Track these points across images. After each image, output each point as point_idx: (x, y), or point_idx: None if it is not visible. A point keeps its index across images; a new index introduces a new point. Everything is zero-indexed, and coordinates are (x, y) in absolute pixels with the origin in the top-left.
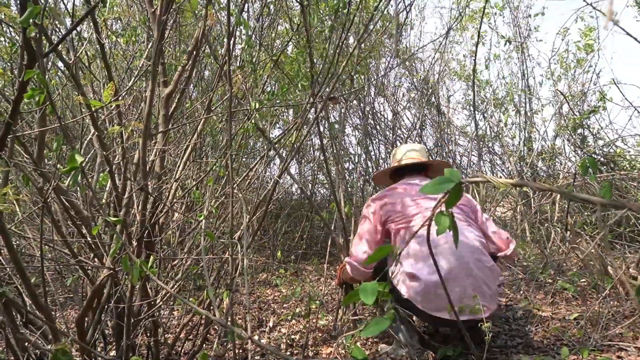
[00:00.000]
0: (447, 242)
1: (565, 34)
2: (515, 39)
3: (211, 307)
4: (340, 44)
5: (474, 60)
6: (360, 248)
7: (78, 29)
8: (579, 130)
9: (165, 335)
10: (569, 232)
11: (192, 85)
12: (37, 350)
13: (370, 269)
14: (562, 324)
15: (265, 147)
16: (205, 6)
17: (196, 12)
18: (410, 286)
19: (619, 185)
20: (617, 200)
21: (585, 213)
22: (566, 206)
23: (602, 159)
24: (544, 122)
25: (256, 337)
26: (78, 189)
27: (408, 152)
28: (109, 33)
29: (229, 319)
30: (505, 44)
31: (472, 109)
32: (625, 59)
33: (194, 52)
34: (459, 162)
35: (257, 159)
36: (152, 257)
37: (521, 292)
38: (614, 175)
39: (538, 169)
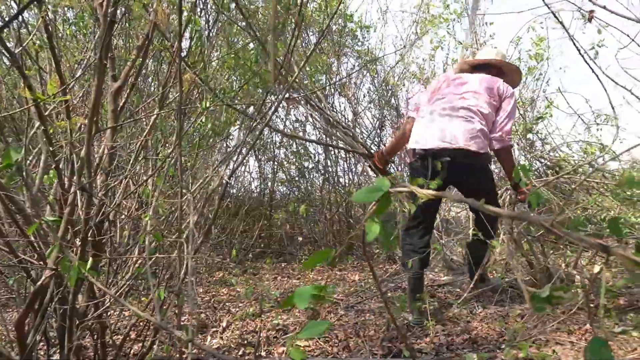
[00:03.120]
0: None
1: (518, 43)
2: (472, 45)
3: (152, 309)
4: (293, 42)
5: None
6: (418, 99)
7: (25, 16)
8: (529, 135)
9: (114, 337)
10: (515, 233)
11: (150, 78)
12: None
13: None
14: (506, 320)
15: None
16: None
17: (147, 5)
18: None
19: (563, 189)
20: (523, 212)
21: (532, 215)
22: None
23: (548, 163)
24: None
25: (209, 338)
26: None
27: (483, 52)
28: (58, 24)
29: (178, 321)
30: (462, 49)
31: None
32: (573, 68)
33: (144, 47)
34: None
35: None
36: (91, 258)
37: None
38: (559, 179)
39: None
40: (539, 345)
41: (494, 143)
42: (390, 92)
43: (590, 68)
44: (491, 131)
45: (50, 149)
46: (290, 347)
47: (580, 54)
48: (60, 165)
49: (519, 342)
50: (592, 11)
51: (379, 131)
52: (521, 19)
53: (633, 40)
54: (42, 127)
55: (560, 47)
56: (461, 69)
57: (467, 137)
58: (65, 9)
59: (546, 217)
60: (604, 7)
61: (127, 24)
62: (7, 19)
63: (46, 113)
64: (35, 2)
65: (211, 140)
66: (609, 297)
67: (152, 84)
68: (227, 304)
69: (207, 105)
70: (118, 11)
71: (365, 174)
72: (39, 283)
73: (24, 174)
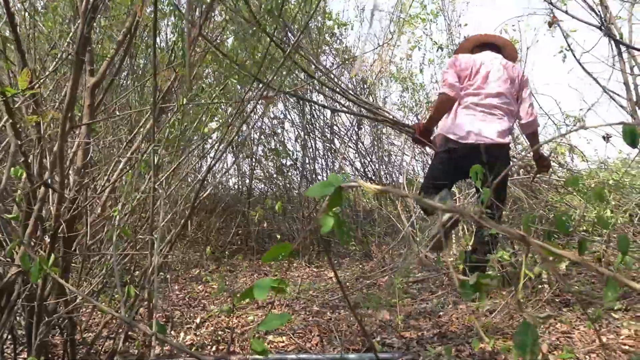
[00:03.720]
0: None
1: None
2: (448, 46)
3: (119, 305)
4: (269, 46)
5: None
6: (449, 77)
7: None
8: None
9: (84, 334)
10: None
11: (128, 74)
12: None
13: (457, 91)
14: (476, 315)
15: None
16: None
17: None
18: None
19: (534, 187)
20: (458, 207)
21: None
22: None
23: (520, 163)
24: None
25: (182, 334)
26: None
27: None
28: (28, 12)
29: (149, 317)
30: (438, 49)
31: (406, 110)
32: (543, 70)
33: (124, 43)
34: (394, 161)
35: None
36: (52, 255)
37: (443, 285)
38: (530, 179)
39: None
40: (506, 339)
41: (525, 128)
42: (367, 90)
43: (581, 66)
44: (520, 117)
45: (19, 142)
46: (252, 338)
47: (571, 49)
48: (30, 160)
49: (487, 336)
50: (554, 16)
51: (356, 129)
52: (494, 21)
53: (597, 41)
54: (10, 121)
55: (531, 50)
56: (463, 47)
57: (500, 133)
58: None
59: (476, 210)
60: (566, 12)
61: (104, 19)
62: None
63: (16, 106)
64: None
65: (188, 138)
66: (573, 292)
67: (128, 79)
68: (202, 300)
69: (184, 102)
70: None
71: (343, 171)
72: (5, 280)
73: None
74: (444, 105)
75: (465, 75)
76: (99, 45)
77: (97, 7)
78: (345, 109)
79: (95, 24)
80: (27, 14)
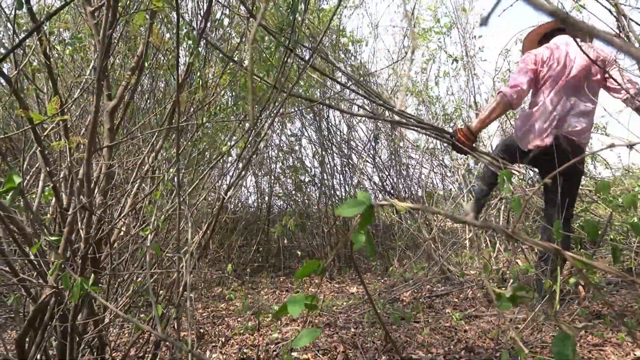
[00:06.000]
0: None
1: (507, 55)
2: (462, 58)
3: (153, 322)
4: (284, 61)
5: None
6: (518, 79)
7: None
8: None
9: (114, 354)
10: (509, 242)
11: (149, 97)
12: None
13: (520, 98)
14: (502, 328)
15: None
16: (150, 23)
17: (142, 26)
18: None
19: None
20: (487, 221)
21: (527, 223)
22: (512, 216)
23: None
24: (489, 137)
25: (208, 352)
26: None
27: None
28: (55, 44)
29: (177, 334)
30: (453, 62)
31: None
32: None
33: (138, 67)
34: (412, 174)
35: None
36: (92, 275)
37: (467, 299)
38: None
39: None
40: (535, 353)
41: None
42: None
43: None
44: (616, 91)
45: (48, 169)
46: (284, 355)
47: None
48: (58, 185)
49: (517, 349)
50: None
51: (373, 144)
52: (508, 32)
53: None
54: (39, 148)
55: None
56: (531, 41)
57: (583, 136)
58: (62, 30)
59: (507, 225)
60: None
61: (122, 44)
62: (6, 44)
63: (45, 133)
64: (34, 32)
65: (208, 155)
66: (607, 302)
67: (148, 101)
68: (226, 318)
69: (204, 120)
70: (115, 33)
71: (361, 186)
72: (40, 301)
73: (23, 194)
74: (502, 109)
75: (545, 77)
76: (118, 70)
77: (112, 34)
78: (375, 115)
79: (113, 50)
80: (57, 44)
